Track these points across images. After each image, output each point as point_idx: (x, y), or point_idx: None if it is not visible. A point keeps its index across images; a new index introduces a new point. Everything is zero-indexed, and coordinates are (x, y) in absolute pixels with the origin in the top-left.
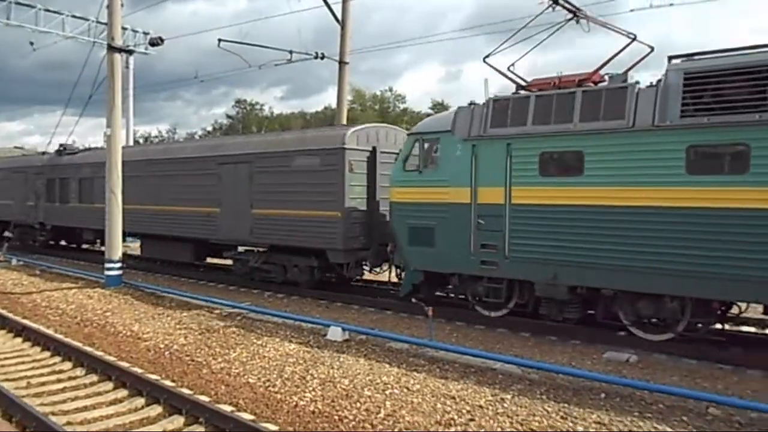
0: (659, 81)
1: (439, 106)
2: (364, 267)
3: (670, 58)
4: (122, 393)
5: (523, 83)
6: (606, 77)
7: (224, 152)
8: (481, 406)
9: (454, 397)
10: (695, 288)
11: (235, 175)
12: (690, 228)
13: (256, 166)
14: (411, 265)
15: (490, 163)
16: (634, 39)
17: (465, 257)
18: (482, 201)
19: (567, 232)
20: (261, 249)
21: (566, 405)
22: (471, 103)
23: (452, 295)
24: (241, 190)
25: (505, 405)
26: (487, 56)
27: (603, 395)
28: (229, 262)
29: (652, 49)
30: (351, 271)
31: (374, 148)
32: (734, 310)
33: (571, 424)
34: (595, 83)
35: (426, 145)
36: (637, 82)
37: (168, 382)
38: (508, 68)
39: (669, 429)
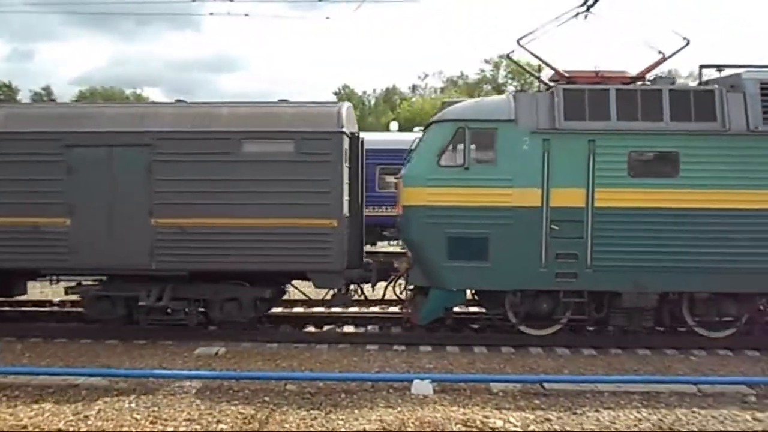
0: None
1: (5, 88)
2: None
3: (701, 67)
4: None
5: (565, 74)
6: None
7: (84, 128)
8: (60, 430)
9: (26, 427)
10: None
11: (107, 166)
12: None
13: (160, 153)
14: (450, 285)
15: (574, 160)
16: (688, 43)
17: (534, 271)
18: (556, 204)
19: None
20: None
21: (156, 408)
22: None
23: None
24: (125, 190)
25: (89, 422)
26: (522, 38)
27: (194, 391)
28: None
29: (688, 42)
30: (343, 298)
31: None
32: None
33: (161, 427)
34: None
35: (475, 137)
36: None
37: None
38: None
39: (252, 411)
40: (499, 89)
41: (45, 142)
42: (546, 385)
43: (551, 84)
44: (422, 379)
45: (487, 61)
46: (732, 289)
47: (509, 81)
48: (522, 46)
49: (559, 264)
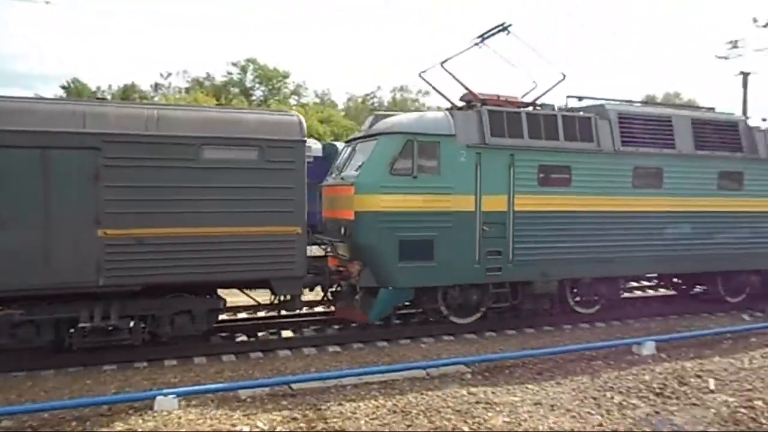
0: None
1: None
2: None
3: (568, 96)
4: None
5: (479, 96)
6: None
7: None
8: None
9: None
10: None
11: (40, 171)
12: (635, 225)
13: (108, 157)
14: (400, 284)
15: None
16: (564, 77)
17: (469, 267)
18: (486, 209)
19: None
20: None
21: None
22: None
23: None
24: (64, 198)
25: None
26: (444, 61)
27: None
28: None
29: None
30: (298, 303)
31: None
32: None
33: None
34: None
35: (422, 149)
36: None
37: None
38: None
39: None
40: (246, 93)
41: None
42: (294, 385)
43: (462, 104)
44: (165, 394)
45: (234, 64)
46: (606, 274)
47: (257, 85)
48: (445, 69)
49: (489, 260)
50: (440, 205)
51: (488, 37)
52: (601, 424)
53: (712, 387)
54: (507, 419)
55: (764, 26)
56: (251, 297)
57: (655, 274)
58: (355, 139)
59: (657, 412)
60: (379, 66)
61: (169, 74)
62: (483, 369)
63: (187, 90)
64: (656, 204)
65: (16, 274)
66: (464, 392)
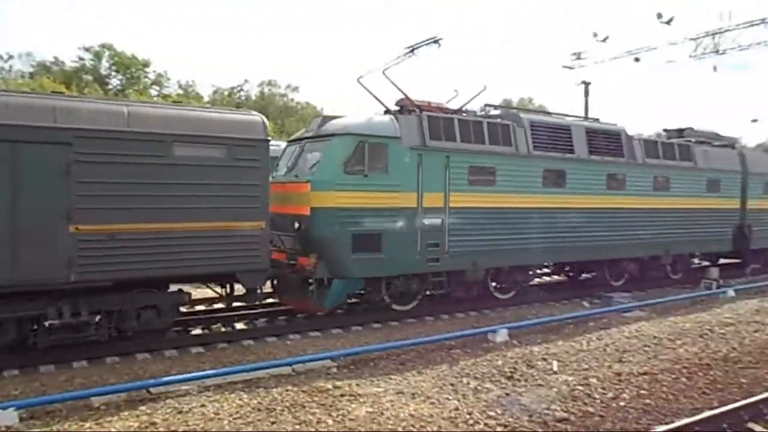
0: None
1: None
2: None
3: (486, 105)
4: None
5: (415, 102)
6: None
7: None
8: None
9: None
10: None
11: (8, 165)
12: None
13: (80, 152)
14: (353, 274)
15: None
16: (485, 88)
17: (412, 258)
18: (426, 205)
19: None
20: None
21: None
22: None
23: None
24: (35, 194)
25: None
26: (386, 69)
27: None
28: None
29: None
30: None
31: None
32: None
33: None
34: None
35: (372, 149)
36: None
37: None
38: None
39: None
40: (101, 81)
41: None
42: (153, 389)
43: (396, 108)
44: (4, 408)
45: (87, 49)
46: (522, 263)
47: (113, 73)
48: (386, 76)
49: (428, 252)
50: (388, 202)
51: (418, 48)
52: (457, 408)
53: (555, 368)
54: (370, 409)
55: (603, 41)
56: (214, 290)
57: (551, 263)
58: (300, 139)
59: (507, 394)
60: (246, 59)
61: (10, 57)
62: (349, 363)
63: (32, 75)
64: (560, 201)
65: None
66: (329, 386)
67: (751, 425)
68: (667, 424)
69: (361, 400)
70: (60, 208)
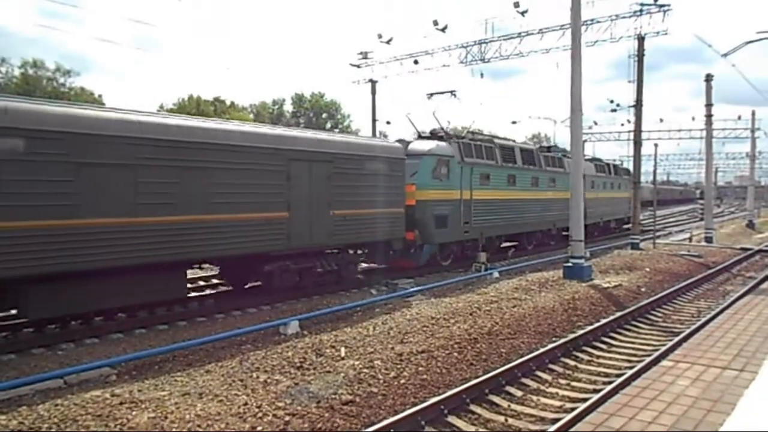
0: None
1: None
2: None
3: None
4: None
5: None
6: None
7: (298, 147)
8: None
9: None
10: None
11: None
12: (508, 206)
13: (336, 167)
14: (435, 242)
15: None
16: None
17: (461, 231)
18: (464, 198)
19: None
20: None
21: None
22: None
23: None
24: (318, 191)
25: None
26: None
27: None
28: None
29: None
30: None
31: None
32: None
33: None
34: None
35: (442, 163)
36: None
37: None
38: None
39: None
40: None
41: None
42: None
43: (426, 134)
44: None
45: None
46: (500, 233)
47: None
48: (435, 117)
49: (463, 226)
50: (450, 196)
51: (436, 95)
52: (246, 403)
53: (343, 354)
54: (152, 415)
55: (387, 42)
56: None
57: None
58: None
59: (296, 384)
60: None
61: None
62: (131, 368)
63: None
64: (514, 194)
65: (300, 238)
66: (107, 395)
67: (507, 388)
68: (439, 395)
69: (143, 406)
70: (326, 200)
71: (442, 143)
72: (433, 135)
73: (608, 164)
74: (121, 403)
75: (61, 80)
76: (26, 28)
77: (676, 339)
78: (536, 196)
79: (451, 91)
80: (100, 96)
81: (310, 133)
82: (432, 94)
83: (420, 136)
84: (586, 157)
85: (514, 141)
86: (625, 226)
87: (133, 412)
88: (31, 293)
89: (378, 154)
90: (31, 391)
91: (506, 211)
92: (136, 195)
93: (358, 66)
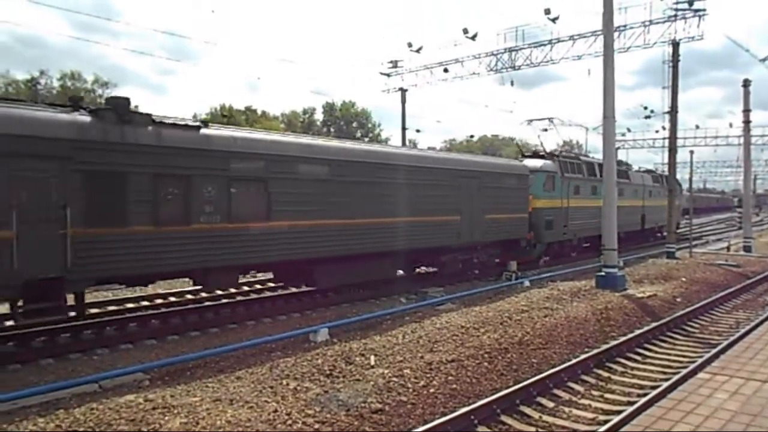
0: None
1: None
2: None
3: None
4: None
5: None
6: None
7: (462, 167)
8: None
9: None
10: None
11: (469, 187)
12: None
13: (481, 181)
14: (545, 241)
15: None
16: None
17: (561, 233)
18: (567, 206)
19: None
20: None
21: None
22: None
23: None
24: (476, 200)
25: None
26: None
27: None
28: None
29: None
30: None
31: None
32: None
33: None
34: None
35: (550, 178)
36: None
37: None
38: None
39: None
40: None
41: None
42: None
43: (528, 154)
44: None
45: None
46: (582, 236)
47: None
48: (541, 143)
49: (563, 229)
50: (555, 204)
51: (534, 121)
52: (276, 410)
53: (372, 362)
54: (184, 420)
55: (417, 51)
56: None
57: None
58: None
59: (326, 391)
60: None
61: None
62: (163, 374)
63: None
64: (597, 203)
65: (467, 235)
66: (140, 400)
67: (539, 399)
68: (470, 405)
69: (175, 411)
70: (480, 206)
71: (548, 161)
72: (535, 154)
73: (661, 175)
74: (154, 408)
75: (99, 92)
76: (62, 40)
77: (714, 351)
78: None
79: (550, 118)
80: (136, 107)
81: (468, 156)
82: (531, 120)
83: (523, 155)
84: (643, 169)
85: (593, 158)
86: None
87: (166, 417)
88: (316, 272)
89: (509, 171)
90: (68, 394)
91: (591, 217)
92: (382, 202)
93: (388, 75)
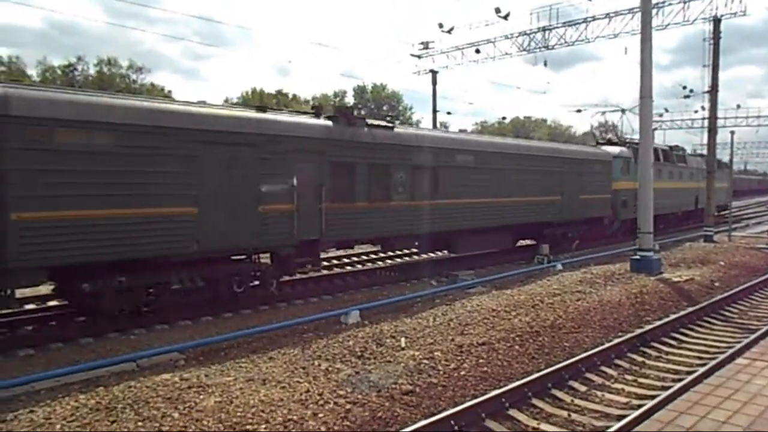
0: None
1: None
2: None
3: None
4: None
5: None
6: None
7: (564, 155)
8: None
9: None
10: None
11: (570, 173)
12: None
13: (579, 167)
14: (620, 218)
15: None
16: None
17: (633, 211)
18: (635, 188)
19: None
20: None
21: None
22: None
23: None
24: (575, 183)
25: None
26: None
27: None
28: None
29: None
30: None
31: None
32: None
33: None
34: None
35: (626, 162)
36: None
37: None
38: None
39: None
40: None
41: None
42: None
43: (616, 141)
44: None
45: None
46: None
47: None
48: (614, 129)
49: (634, 208)
50: (629, 186)
51: (606, 112)
52: (308, 390)
53: (403, 344)
54: (219, 399)
55: (448, 32)
56: None
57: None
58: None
59: (357, 372)
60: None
61: None
62: (198, 354)
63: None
64: (661, 185)
65: (567, 213)
66: (176, 379)
67: (571, 383)
68: (501, 388)
69: (210, 390)
70: (576, 188)
71: (624, 149)
72: (609, 142)
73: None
74: (189, 387)
75: (133, 77)
76: (98, 26)
77: (753, 336)
78: (671, 186)
79: (622, 109)
80: (170, 92)
81: (567, 146)
82: (604, 112)
83: (598, 143)
84: (696, 153)
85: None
86: (722, 213)
87: (201, 396)
88: (457, 241)
89: (598, 158)
90: (107, 373)
91: (656, 197)
92: (508, 184)
93: (419, 56)
